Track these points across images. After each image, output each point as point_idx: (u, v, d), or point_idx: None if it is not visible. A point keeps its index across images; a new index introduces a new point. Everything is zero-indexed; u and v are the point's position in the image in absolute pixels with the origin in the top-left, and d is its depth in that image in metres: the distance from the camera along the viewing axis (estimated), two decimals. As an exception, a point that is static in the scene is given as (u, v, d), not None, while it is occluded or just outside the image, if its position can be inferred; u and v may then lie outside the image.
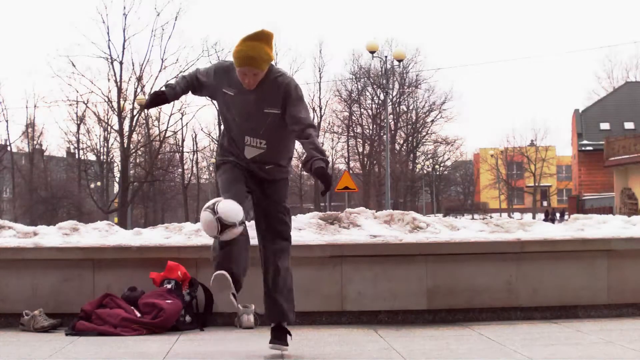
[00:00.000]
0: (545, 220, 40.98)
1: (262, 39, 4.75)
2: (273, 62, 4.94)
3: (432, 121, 60.35)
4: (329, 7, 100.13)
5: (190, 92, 5.10)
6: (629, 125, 51.82)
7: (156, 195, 55.16)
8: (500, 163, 68.67)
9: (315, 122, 54.98)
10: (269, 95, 4.83)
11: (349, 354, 4.98)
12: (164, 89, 5.00)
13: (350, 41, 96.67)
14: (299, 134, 4.80)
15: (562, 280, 6.45)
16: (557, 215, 46.41)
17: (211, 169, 59.16)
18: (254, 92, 4.84)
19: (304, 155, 4.83)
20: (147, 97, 5.10)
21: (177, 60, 49.92)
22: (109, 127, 50.28)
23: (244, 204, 4.81)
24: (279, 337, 4.93)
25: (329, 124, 58.31)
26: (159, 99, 4.95)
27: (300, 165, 57.76)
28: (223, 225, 4.63)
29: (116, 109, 46.99)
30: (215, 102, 5.15)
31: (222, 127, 5.27)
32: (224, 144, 5.08)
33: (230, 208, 4.66)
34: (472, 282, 6.38)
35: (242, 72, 4.76)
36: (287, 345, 4.91)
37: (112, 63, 46.98)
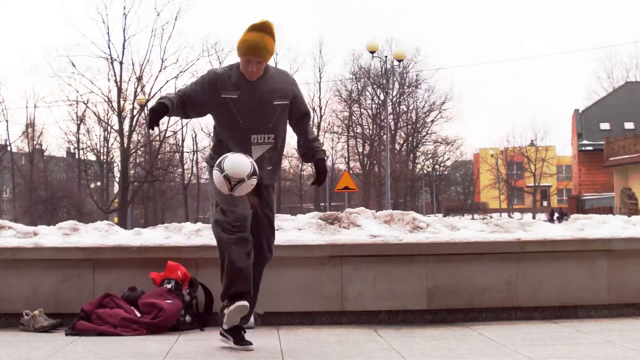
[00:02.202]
0: (551, 219, 41.05)
1: (266, 29, 4.85)
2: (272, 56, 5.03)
3: (432, 121, 60.39)
4: (329, 7, 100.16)
5: (183, 114, 4.98)
6: (629, 125, 51.84)
7: (156, 195, 55.16)
8: (500, 163, 68.66)
9: (316, 122, 55.03)
10: (278, 87, 4.93)
11: (349, 354, 4.98)
12: (162, 100, 4.86)
13: (350, 41, 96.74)
14: (304, 127, 5.05)
15: (562, 280, 6.45)
16: (556, 215, 46.37)
17: (211, 169, 59.12)
18: (259, 85, 4.90)
19: (304, 143, 5.06)
20: (146, 116, 5.12)
21: (177, 60, 49.85)
22: (109, 127, 50.35)
23: (249, 212, 4.92)
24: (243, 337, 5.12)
25: (329, 124, 58.30)
26: (159, 113, 4.81)
27: (300, 165, 57.50)
28: (232, 182, 4.71)
29: (116, 109, 47.01)
30: (211, 109, 5.01)
31: (214, 137, 5.20)
32: (221, 151, 5.02)
33: (236, 164, 4.73)
34: (472, 282, 6.38)
35: (246, 61, 4.84)
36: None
37: (112, 63, 47.05)
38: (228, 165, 4.72)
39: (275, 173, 5.17)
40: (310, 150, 5.16)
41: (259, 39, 4.81)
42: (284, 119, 5.01)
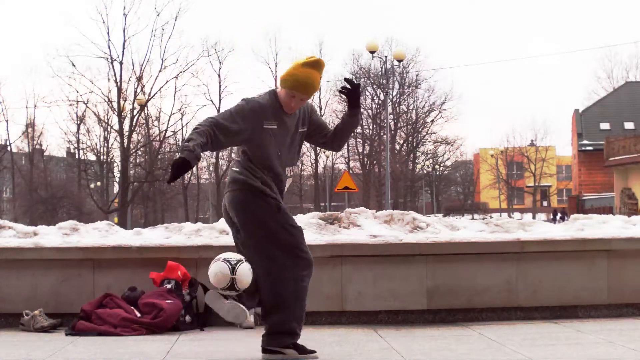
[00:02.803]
0: (554, 219, 41.03)
1: (317, 67, 4.77)
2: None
3: (432, 121, 60.34)
4: (329, 7, 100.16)
5: (212, 147, 4.69)
6: (629, 125, 51.83)
7: (156, 195, 55.14)
8: (500, 163, 68.64)
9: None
10: (301, 115, 4.92)
11: (349, 354, 4.98)
12: (184, 154, 4.51)
13: (350, 41, 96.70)
14: (332, 130, 5.08)
15: (562, 280, 6.45)
16: (559, 215, 46.34)
17: (211, 169, 59.19)
18: (291, 119, 4.86)
19: (337, 126, 5.08)
20: (169, 169, 4.95)
21: (177, 60, 49.79)
22: (109, 127, 50.33)
23: None
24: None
25: (329, 124, 58.23)
26: (183, 168, 4.49)
27: (300, 165, 57.62)
28: (231, 287, 4.66)
29: (116, 109, 47.00)
30: (250, 139, 4.77)
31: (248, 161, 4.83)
32: (258, 176, 4.77)
33: (247, 276, 4.67)
34: (472, 282, 6.38)
35: (290, 96, 4.73)
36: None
37: (112, 63, 47.03)
38: (241, 275, 4.65)
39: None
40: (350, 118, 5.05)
41: (310, 77, 4.72)
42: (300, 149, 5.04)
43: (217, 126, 4.63)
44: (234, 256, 4.72)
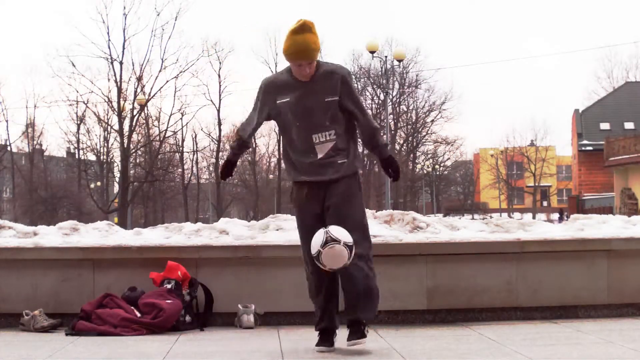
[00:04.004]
0: (560, 219, 41.00)
1: (306, 29, 4.89)
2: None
3: (432, 121, 60.35)
4: (329, 7, 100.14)
5: (245, 136, 5.13)
6: (629, 125, 51.80)
7: (156, 195, 55.16)
8: (500, 163, 68.64)
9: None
10: (327, 85, 4.94)
11: (349, 354, 4.98)
12: (229, 155, 5.21)
13: (350, 41, 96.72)
14: (358, 124, 5.09)
15: (562, 280, 6.44)
16: (565, 214, 46.26)
17: (211, 169, 59.20)
18: (311, 85, 4.93)
19: (363, 140, 5.12)
20: (219, 171, 5.24)
21: (177, 60, 49.85)
22: (109, 127, 50.36)
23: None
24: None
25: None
26: (225, 166, 5.18)
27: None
28: (329, 238, 4.72)
29: (116, 109, 47.01)
30: (272, 118, 5.13)
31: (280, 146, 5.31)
32: (292, 162, 5.08)
33: (332, 261, 4.76)
34: (472, 282, 6.38)
35: (297, 65, 4.89)
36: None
37: (112, 63, 47.08)
38: (334, 229, 4.76)
39: (353, 162, 5.08)
40: (374, 150, 5.15)
41: (302, 41, 4.84)
42: (338, 113, 5.00)
43: (247, 118, 5.15)
44: (340, 233, 4.75)
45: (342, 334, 5.08)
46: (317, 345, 5.06)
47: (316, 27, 4.93)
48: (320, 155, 4.96)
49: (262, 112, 5.05)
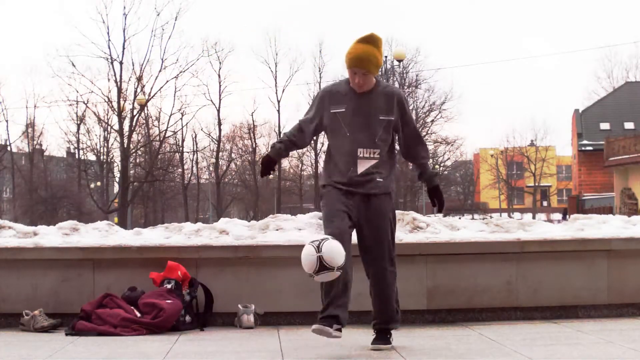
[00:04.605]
0: (564, 218, 41.02)
1: (372, 42, 4.95)
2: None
3: (432, 121, 60.28)
4: (329, 7, 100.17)
5: (298, 141, 5.14)
6: (629, 125, 51.78)
7: (156, 195, 55.17)
8: (500, 163, 68.62)
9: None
10: (383, 103, 4.98)
11: (349, 354, 4.98)
12: (270, 151, 5.16)
13: (350, 41, 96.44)
14: (411, 149, 5.14)
15: (562, 280, 6.45)
16: (562, 215, 46.29)
17: (211, 169, 59.21)
18: (366, 100, 4.97)
19: (413, 164, 5.22)
20: (260, 166, 5.18)
21: (177, 60, 49.84)
22: (109, 127, 50.37)
23: (347, 243, 4.88)
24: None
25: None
26: (269, 165, 5.13)
27: (300, 165, 57.52)
28: (322, 266, 4.67)
29: (116, 109, 47.01)
30: (325, 125, 5.14)
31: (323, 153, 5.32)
32: (331, 167, 5.11)
33: (335, 251, 4.69)
34: (472, 282, 6.38)
35: (352, 73, 4.94)
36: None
37: (112, 63, 47.09)
38: (327, 251, 4.67)
39: (388, 182, 5.12)
40: (422, 175, 5.21)
41: (363, 51, 4.89)
42: (388, 135, 5.02)
43: (301, 120, 5.16)
44: (320, 236, 4.82)
45: (342, 334, 5.07)
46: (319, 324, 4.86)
47: (382, 44, 5.00)
48: (359, 170, 4.99)
49: (315, 119, 5.09)
